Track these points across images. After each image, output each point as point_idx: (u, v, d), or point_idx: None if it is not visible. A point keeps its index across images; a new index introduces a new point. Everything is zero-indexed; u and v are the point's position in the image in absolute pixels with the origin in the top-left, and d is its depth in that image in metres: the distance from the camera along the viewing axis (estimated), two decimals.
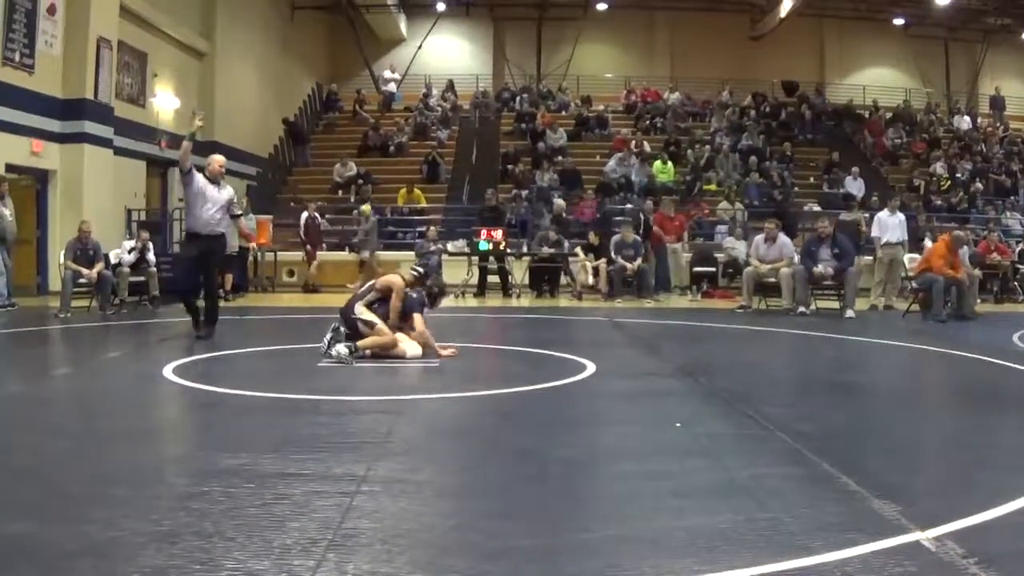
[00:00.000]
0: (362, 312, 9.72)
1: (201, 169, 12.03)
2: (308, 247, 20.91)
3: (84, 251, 15.70)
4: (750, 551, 3.68)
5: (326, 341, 9.52)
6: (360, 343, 9.46)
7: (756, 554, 3.65)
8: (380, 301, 9.89)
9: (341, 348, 9.29)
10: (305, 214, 21.36)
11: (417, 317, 9.90)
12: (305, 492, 4.48)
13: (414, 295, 10.15)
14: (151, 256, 17.14)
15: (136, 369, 9.75)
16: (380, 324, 9.67)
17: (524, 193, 25.84)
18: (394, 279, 10.09)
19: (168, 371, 8.60)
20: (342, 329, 9.65)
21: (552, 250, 20.75)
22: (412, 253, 20.86)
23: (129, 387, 8.48)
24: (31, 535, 3.82)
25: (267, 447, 5.47)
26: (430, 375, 8.87)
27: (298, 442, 5.63)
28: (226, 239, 12.75)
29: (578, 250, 20.46)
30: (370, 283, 10.27)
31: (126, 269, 16.63)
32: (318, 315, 15.72)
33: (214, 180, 12.01)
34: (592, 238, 20.42)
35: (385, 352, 9.53)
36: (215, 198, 11.82)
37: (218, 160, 12.25)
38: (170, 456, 5.69)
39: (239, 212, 12.75)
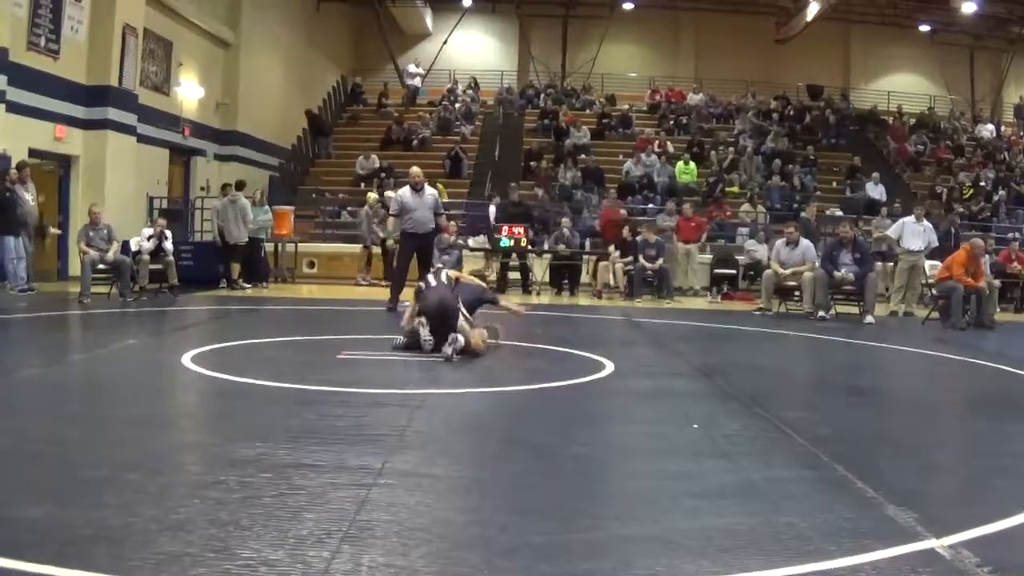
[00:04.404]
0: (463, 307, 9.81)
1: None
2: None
3: (97, 234, 15.77)
4: (764, 554, 3.68)
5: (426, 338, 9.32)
6: (473, 341, 9.54)
7: (770, 557, 3.64)
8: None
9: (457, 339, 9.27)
10: (492, 207, 21.35)
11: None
12: (321, 483, 4.49)
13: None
14: (168, 244, 17.11)
15: (154, 356, 9.79)
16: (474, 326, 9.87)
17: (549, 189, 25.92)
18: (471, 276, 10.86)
19: (187, 359, 8.63)
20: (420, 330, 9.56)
21: (571, 248, 20.76)
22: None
23: (147, 374, 8.50)
24: (47, 519, 3.83)
25: (284, 437, 5.48)
26: (448, 370, 8.86)
27: (315, 433, 5.64)
28: (435, 235, 14.98)
29: (611, 248, 20.39)
30: (460, 282, 10.49)
31: (146, 256, 16.67)
32: (336, 307, 15.80)
33: (416, 188, 14.42)
34: (626, 233, 20.30)
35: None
36: (422, 203, 14.30)
37: (415, 172, 14.89)
38: (186, 444, 5.70)
39: (443, 211, 15.13)
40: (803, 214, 21.82)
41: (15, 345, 10.54)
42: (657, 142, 29.44)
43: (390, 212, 15.23)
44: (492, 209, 21.43)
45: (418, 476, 4.77)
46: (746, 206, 25.48)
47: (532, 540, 3.81)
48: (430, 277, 10.19)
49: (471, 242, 21.73)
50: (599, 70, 38.17)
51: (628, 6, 37.67)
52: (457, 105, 33.08)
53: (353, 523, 3.89)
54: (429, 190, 14.67)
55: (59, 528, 3.72)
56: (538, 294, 20.39)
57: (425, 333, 9.30)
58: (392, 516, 4.04)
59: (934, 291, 16.69)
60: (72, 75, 19.82)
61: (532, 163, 28.50)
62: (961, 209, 26.83)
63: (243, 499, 4.19)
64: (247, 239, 19.39)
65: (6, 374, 7.80)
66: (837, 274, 15.96)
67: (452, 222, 21.81)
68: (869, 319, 15.62)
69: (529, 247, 20.98)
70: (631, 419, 6.91)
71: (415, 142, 30.32)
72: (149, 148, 22.85)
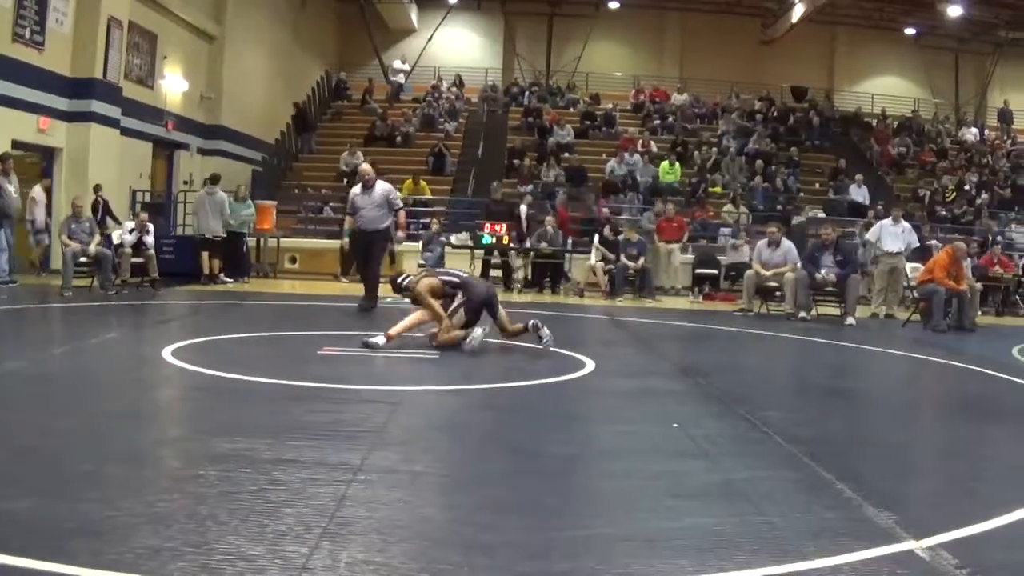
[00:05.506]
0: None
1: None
2: None
3: (79, 227, 15.74)
4: (743, 554, 3.69)
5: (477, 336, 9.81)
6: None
7: (749, 557, 3.65)
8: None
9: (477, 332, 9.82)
10: (523, 207, 21.46)
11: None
12: (301, 479, 4.48)
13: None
14: (149, 239, 17.07)
15: (135, 350, 9.77)
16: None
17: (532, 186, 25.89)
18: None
19: (167, 353, 8.59)
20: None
21: (553, 247, 20.76)
22: (418, 244, 20.71)
23: (128, 368, 8.48)
24: (29, 512, 3.82)
25: (264, 433, 5.47)
26: (429, 367, 8.87)
27: (295, 429, 5.63)
28: (388, 232, 14.35)
29: (596, 246, 20.39)
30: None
31: (128, 250, 16.63)
32: (318, 302, 15.77)
33: (366, 185, 14.00)
34: (608, 233, 20.33)
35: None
36: (371, 200, 13.89)
37: (363, 169, 14.65)
38: (167, 438, 5.68)
39: (400, 205, 14.55)
40: (796, 218, 21.83)
41: None
42: (641, 142, 29.49)
43: (346, 211, 15.05)
44: (523, 208, 21.50)
45: (398, 473, 4.78)
46: (729, 207, 25.49)
47: (512, 538, 3.82)
48: (455, 271, 10.90)
49: (453, 239, 21.69)
50: (584, 69, 38.23)
51: (613, 5, 37.75)
52: (441, 102, 33.08)
53: (332, 519, 3.88)
54: (380, 187, 14.19)
55: (42, 521, 3.71)
56: (520, 292, 20.38)
57: (480, 333, 9.81)
58: (371, 513, 4.04)
59: (915, 293, 16.74)
60: (56, 67, 19.71)
61: (515, 161, 28.46)
62: (944, 212, 26.96)
63: (222, 494, 4.18)
64: (224, 233, 19.34)
65: None
66: (819, 275, 16.00)
67: (434, 219, 21.82)
68: (850, 320, 15.67)
69: (511, 245, 20.96)
70: (612, 418, 6.91)
71: (399, 138, 30.28)
72: (133, 141, 22.72)
